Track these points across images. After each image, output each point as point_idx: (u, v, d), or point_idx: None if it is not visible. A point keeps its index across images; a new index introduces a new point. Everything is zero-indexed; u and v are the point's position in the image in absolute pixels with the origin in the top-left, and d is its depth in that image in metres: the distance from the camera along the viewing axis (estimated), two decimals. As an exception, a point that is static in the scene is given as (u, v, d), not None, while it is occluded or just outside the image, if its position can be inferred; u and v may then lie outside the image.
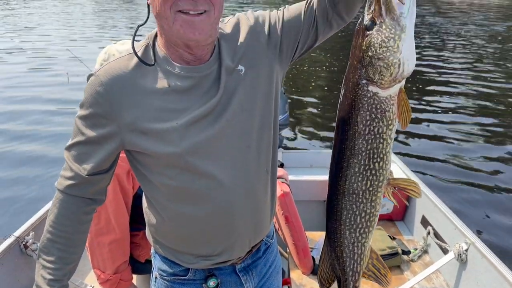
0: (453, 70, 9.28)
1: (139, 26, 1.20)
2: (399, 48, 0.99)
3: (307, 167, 3.54)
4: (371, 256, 1.19)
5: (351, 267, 1.20)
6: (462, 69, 9.36)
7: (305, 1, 1.26)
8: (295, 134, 5.96)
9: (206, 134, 1.15)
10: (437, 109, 7.04)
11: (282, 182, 2.68)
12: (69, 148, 1.21)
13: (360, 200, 1.12)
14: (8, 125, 6.34)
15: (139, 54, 1.16)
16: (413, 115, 6.62)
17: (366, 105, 1.05)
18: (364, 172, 1.09)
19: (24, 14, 18.32)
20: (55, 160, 5.09)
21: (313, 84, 8.45)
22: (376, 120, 1.05)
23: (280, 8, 1.28)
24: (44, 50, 10.98)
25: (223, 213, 1.22)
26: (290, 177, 3.02)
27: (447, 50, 11.22)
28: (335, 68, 9.33)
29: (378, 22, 1.00)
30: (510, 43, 12.00)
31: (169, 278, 1.36)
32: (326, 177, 3.61)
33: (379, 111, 1.04)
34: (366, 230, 1.15)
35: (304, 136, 5.97)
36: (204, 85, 1.15)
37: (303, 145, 5.66)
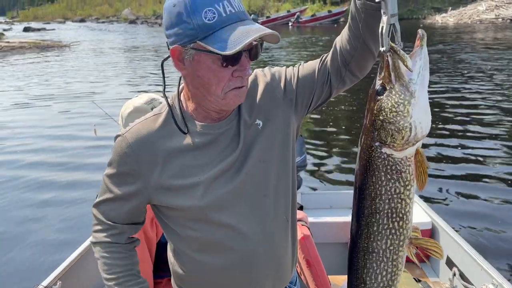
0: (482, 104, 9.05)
1: (166, 96, 1.28)
2: (409, 112, 1.02)
3: (327, 208, 3.50)
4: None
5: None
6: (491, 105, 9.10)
7: (319, 59, 1.32)
8: (314, 175, 5.88)
9: (227, 189, 1.21)
10: (464, 142, 6.88)
11: (302, 225, 2.66)
12: (97, 205, 1.31)
13: (381, 259, 1.12)
14: (36, 170, 6.54)
15: (163, 115, 1.24)
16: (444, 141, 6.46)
17: (380, 166, 1.07)
18: (384, 231, 1.10)
19: (56, 62, 19.36)
20: (82, 207, 5.18)
21: (331, 123, 8.41)
22: (392, 181, 1.07)
23: (296, 65, 1.35)
24: (71, 100, 11.39)
25: (244, 262, 1.26)
26: (310, 219, 3.00)
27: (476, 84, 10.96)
28: (354, 108, 9.24)
29: (388, 88, 1.04)
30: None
31: None
32: (347, 218, 3.50)
33: (394, 172, 1.06)
34: (389, 288, 1.15)
35: (323, 176, 5.90)
36: (223, 141, 1.22)
37: (322, 185, 5.58)
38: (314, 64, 1.31)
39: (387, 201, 1.08)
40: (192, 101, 1.23)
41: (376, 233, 1.11)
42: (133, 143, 1.21)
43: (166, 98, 1.26)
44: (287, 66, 1.36)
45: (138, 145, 1.21)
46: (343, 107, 9.36)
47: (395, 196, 1.08)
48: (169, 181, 1.20)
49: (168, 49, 1.15)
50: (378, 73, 1.07)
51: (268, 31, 1.08)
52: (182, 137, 1.21)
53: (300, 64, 1.34)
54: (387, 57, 1.03)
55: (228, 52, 1.05)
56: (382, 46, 1.03)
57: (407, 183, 1.07)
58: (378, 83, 1.06)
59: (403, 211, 1.09)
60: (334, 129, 8.11)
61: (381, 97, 1.05)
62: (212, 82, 1.13)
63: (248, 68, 1.15)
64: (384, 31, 1.02)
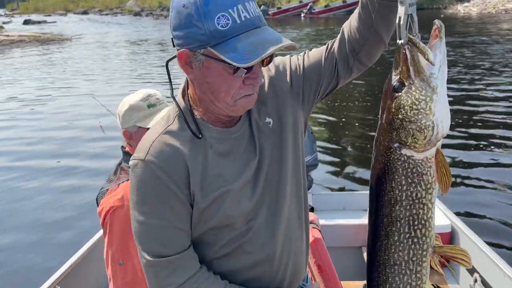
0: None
1: (173, 95, 1.20)
2: (432, 110, 0.94)
3: (339, 210, 3.39)
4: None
5: None
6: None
7: (325, 47, 1.25)
8: (325, 174, 5.67)
9: (252, 197, 1.18)
10: (485, 137, 6.64)
11: (313, 228, 2.58)
12: (150, 261, 1.17)
13: (404, 271, 1.04)
14: (38, 165, 6.51)
15: (177, 124, 1.16)
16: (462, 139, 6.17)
17: (400, 169, 0.99)
18: (405, 241, 1.02)
19: (57, 56, 19.37)
20: (83, 208, 5.16)
21: (343, 119, 8.17)
22: (413, 185, 0.99)
23: (300, 54, 1.28)
24: (71, 94, 11.34)
25: (262, 265, 1.23)
26: (321, 221, 2.91)
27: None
28: (368, 103, 8.92)
29: (407, 84, 0.96)
30: None
31: None
32: (360, 221, 3.37)
33: (415, 175, 0.99)
34: (412, 303, 1.06)
35: (335, 176, 5.70)
36: (240, 145, 1.18)
37: (335, 186, 5.36)
38: (320, 53, 1.25)
39: (408, 207, 1.00)
40: (200, 104, 1.17)
41: (398, 243, 1.03)
42: (161, 163, 1.11)
43: (177, 102, 1.18)
44: (291, 55, 1.29)
45: (167, 164, 1.11)
46: (357, 102, 9.06)
47: (416, 201, 1.00)
48: (199, 191, 1.14)
49: (173, 46, 1.08)
50: (393, 68, 0.99)
51: (286, 43, 1.01)
52: (201, 144, 1.14)
53: (305, 53, 1.28)
54: (405, 50, 0.95)
55: (242, 64, 0.99)
56: (400, 39, 0.96)
57: (428, 186, 0.99)
58: (394, 79, 0.98)
59: (425, 217, 1.01)
60: (346, 126, 7.90)
61: (400, 93, 0.97)
62: (221, 89, 1.06)
63: (260, 75, 1.09)
64: (402, 22, 0.95)
